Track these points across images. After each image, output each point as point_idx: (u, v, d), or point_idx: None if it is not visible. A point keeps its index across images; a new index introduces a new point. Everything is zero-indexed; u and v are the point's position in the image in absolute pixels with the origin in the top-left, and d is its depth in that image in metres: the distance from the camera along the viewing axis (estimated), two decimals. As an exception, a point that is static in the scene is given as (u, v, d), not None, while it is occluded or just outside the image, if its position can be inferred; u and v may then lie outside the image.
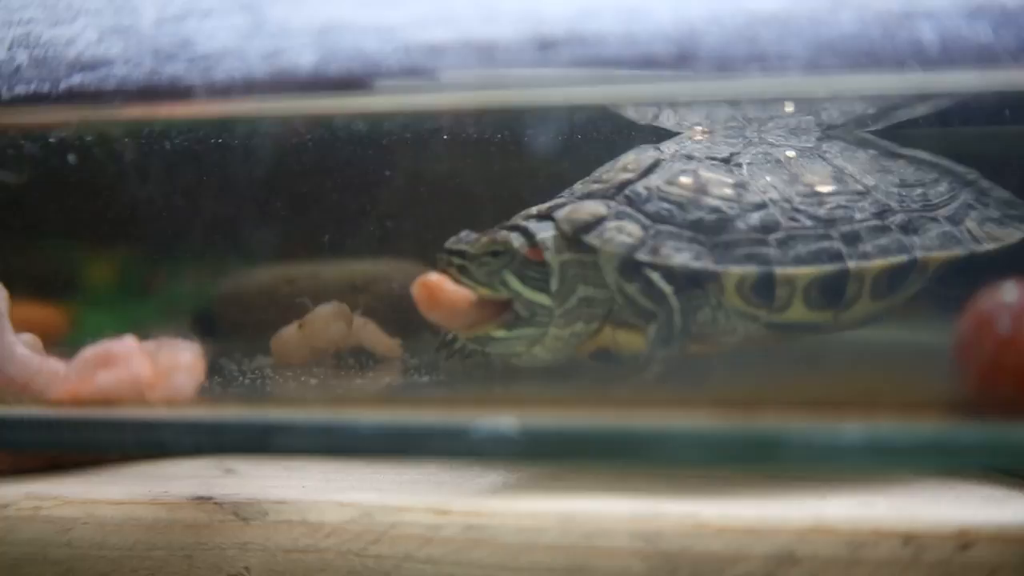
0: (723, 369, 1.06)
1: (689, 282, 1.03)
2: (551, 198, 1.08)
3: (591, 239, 1.04)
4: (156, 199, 1.21)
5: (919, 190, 1.08)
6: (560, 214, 1.07)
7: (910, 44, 0.84)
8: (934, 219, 1.06)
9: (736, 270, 1.01)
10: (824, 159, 1.10)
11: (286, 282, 1.29)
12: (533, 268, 1.05)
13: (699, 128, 1.14)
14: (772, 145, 1.11)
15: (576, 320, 1.06)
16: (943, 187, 1.09)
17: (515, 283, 1.05)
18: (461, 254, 1.05)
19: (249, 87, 0.94)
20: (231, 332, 1.31)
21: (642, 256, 1.02)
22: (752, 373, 1.06)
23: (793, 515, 0.84)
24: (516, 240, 1.05)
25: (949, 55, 0.83)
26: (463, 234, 1.06)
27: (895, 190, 1.07)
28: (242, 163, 1.14)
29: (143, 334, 0.99)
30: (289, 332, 1.20)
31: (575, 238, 1.05)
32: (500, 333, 1.05)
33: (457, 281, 1.04)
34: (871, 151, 1.13)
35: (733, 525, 0.83)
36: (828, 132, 1.13)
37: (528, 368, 1.10)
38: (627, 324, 1.06)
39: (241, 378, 1.13)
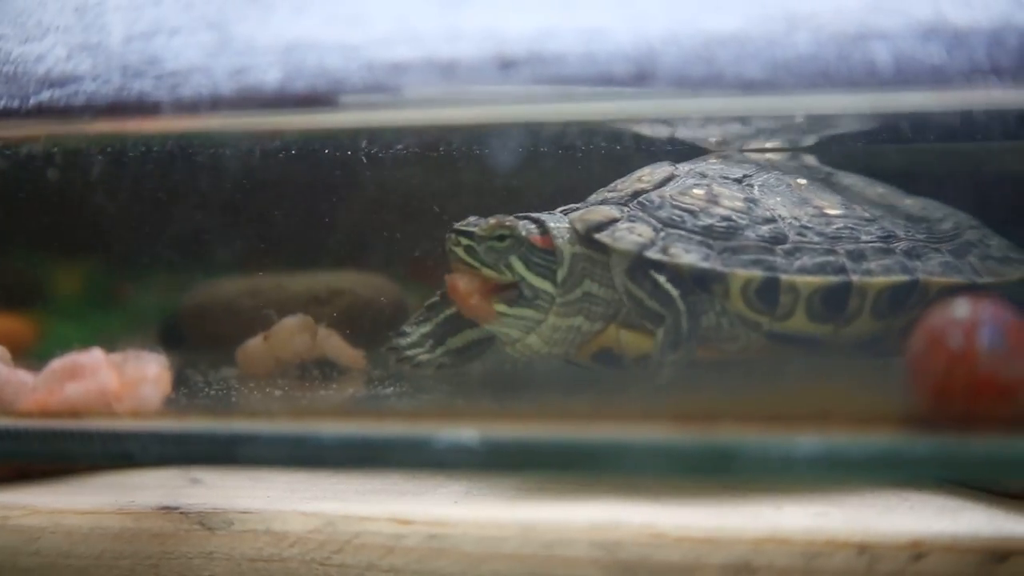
0: (682, 381, 1.07)
1: (696, 284, 1.04)
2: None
3: (603, 237, 1.06)
4: (124, 213, 1.21)
5: (924, 225, 1.10)
6: (574, 215, 1.09)
7: (864, 65, 0.85)
8: (937, 250, 1.07)
9: (742, 273, 1.03)
10: (834, 190, 1.12)
11: (251, 294, 1.29)
12: (539, 255, 1.07)
13: (713, 140, 1.17)
14: (784, 173, 1.13)
15: (576, 314, 1.08)
16: (948, 226, 1.11)
17: (520, 268, 1.07)
18: (468, 235, 1.07)
19: (216, 103, 0.94)
20: (197, 344, 1.30)
21: (651, 254, 1.04)
22: (712, 386, 1.07)
23: (750, 525, 0.85)
24: (523, 226, 1.07)
25: (903, 75, 0.85)
26: (471, 219, 1.08)
27: (901, 221, 1.10)
28: (209, 178, 1.14)
29: (110, 346, 1.00)
30: (254, 344, 1.20)
31: (587, 237, 1.07)
32: (501, 308, 1.07)
33: (462, 262, 1.07)
34: (880, 190, 1.15)
35: (691, 535, 0.85)
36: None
37: (483, 377, 1.12)
38: (633, 325, 1.07)
39: (207, 389, 1.12)
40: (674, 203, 1.07)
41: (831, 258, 1.04)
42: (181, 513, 0.94)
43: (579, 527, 0.86)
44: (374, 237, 1.25)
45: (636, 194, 1.10)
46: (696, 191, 1.08)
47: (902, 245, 1.06)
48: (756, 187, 1.10)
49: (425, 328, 1.17)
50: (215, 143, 1.11)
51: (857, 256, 1.04)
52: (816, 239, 1.05)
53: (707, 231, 1.05)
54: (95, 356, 0.98)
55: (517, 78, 0.89)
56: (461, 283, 1.07)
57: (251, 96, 0.94)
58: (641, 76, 0.87)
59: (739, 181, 1.11)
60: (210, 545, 0.92)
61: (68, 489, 1.04)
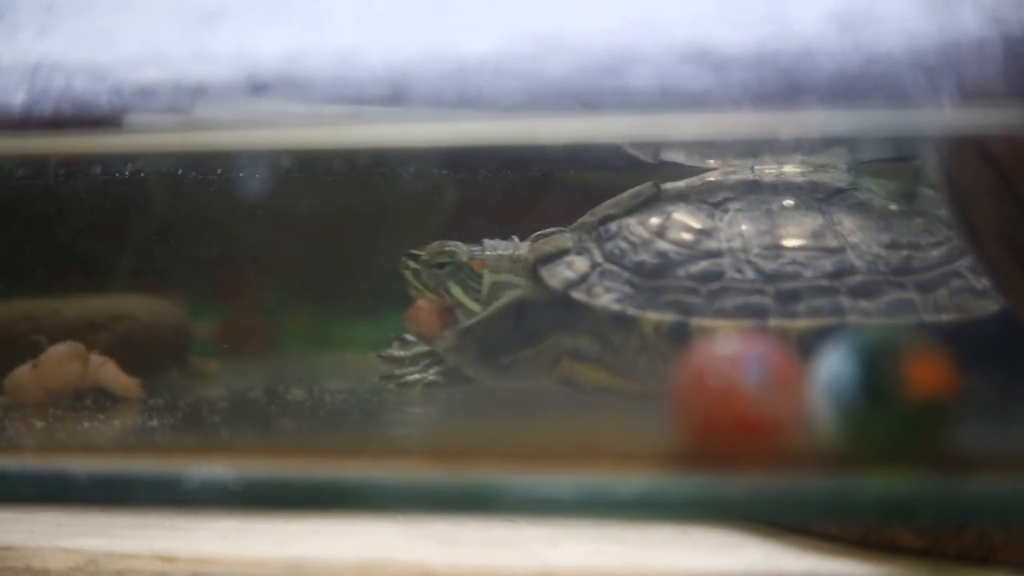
0: (440, 419, 1.07)
1: (615, 322, 1.04)
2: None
3: (543, 272, 1.07)
4: None
5: (905, 252, 1.04)
6: (536, 243, 1.11)
7: (626, 89, 0.84)
8: (900, 285, 1.02)
9: (653, 316, 1.02)
10: (822, 212, 1.07)
11: (26, 320, 1.26)
12: (477, 280, 1.10)
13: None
14: (777, 192, 1.10)
15: None
16: (937, 253, 1.05)
17: (458, 293, 1.10)
18: (415, 258, 1.11)
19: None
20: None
21: (576, 294, 1.05)
22: (475, 422, 1.07)
23: (521, 563, 0.85)
24: (469, 251, 1.11)
25: (666, 99, 0.84)
26: (434, 244, 1.12)
27: (876, 250, 1.04)
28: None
29: None
30: (23, 372, 1.17)
31: (534, 270, 1.08)
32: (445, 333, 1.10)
33: (411, 284, 1.12)
34: (893, 206, 1.09)
35: (460, 573, 0.85)
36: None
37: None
38: (586, 359, 1.08)
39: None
40: (624, 234, 1.07)
41: (756, 299, 1.01)
42: (-62, 551, 0.91)
43: (347, 564, 0.86)
44: (149, 262, 1.23)
45: (604, 220, 1.10)
46: (653, 220, 1.08)
47: (855, 280, 1.02)
48: (729, 213, 1.07)
49: (423, 347, 1.18)
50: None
51: (787, 297, 1.01)
52: (751, 276, 1.03)
53: (638, 268, 1.04)
54: None
55: (268, 100, 0.87)
56: (419, 305, 1.12)
57: (-3, 118, 0.91)
58: (394, 98, 0.85)
59: (716, 205, 1.08)
60: (-34, 584, 0.89)
61: None
